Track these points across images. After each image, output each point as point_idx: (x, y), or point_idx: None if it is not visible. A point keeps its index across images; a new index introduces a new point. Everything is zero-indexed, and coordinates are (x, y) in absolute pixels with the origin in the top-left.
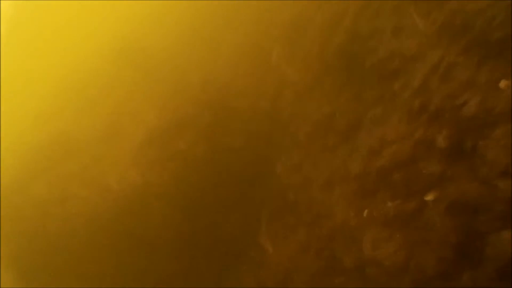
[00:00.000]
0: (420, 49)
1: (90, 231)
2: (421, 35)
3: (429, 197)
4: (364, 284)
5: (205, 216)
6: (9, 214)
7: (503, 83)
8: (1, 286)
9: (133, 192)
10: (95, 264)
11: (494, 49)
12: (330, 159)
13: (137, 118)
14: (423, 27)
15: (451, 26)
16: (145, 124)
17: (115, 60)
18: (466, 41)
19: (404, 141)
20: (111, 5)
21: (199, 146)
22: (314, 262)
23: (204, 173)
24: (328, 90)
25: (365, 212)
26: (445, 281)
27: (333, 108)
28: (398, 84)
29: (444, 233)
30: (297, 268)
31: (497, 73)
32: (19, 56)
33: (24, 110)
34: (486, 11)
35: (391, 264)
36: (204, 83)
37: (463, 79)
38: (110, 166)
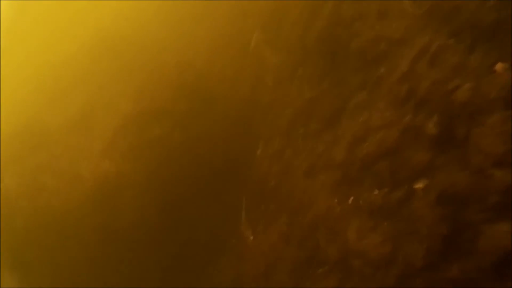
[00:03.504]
0: (407, 32)
1: (61, 225)
2: (408, 18)
3: (418, 185)
4: (348, 275)
5: (182, 206)
6: None
7: (499, 66)
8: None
9: (105, 183)
10: (67, 260)
11: (487, 32)
12: (313, 146)
13: (112, 106)
14: (411, 9)
15: (440, 8)
16: (119, 112)
17: (90, 50)
18: (456, 24)
19: (391, 127)
20: None
21: (175, 133)
22: (297, 253)
23: (180, 162)
24: (309, 75)
25: (350, 200)
26: (434, 273)
27: (315, 94)
28: (384, 69)
29: (433, 223)
30: (279, 259)
31: (491, 57)
32: None
33: None
34: None
35: (377, 255)
36: (180, 69)
37: (454, 63)
38: (82, 155)
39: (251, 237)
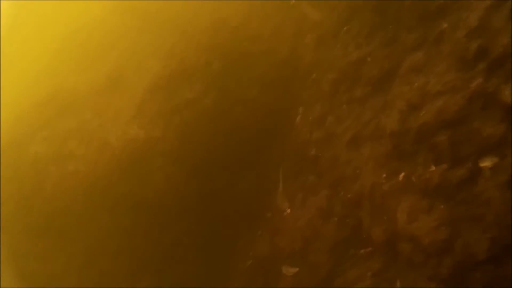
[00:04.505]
0: None
1: (88, 191)
2: None
3: (486, 164)
4: (394, 260)
5: (215, 174)
6: (6, 173)
7: None
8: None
9: (134, 149)
10: (95, 227)
11: None
12: (358, 113)
13: (141, 69)
14: None
15: None
16: (149, 75)
17: (119, 12)
18: None
19: (454, 93)
20: None
21: (208, 96)
22: (337, 230)
23: (213, 127)
24: (356, 33)
25: (401, 176)
26: (498, 267)
27: (363, 54)
28: (447, 23)
29: (502, 210)
30: (317, 235)
31: None
32: (20, 13)
33: (24, 67)
34: None
35: (431, 241)
36: (214, 28)
37: None
38: (110, 120)
39: (288, 210)
